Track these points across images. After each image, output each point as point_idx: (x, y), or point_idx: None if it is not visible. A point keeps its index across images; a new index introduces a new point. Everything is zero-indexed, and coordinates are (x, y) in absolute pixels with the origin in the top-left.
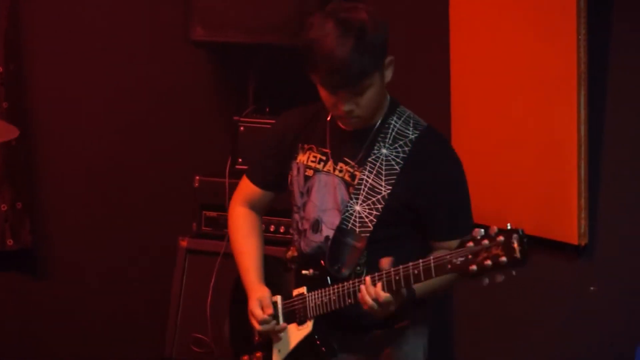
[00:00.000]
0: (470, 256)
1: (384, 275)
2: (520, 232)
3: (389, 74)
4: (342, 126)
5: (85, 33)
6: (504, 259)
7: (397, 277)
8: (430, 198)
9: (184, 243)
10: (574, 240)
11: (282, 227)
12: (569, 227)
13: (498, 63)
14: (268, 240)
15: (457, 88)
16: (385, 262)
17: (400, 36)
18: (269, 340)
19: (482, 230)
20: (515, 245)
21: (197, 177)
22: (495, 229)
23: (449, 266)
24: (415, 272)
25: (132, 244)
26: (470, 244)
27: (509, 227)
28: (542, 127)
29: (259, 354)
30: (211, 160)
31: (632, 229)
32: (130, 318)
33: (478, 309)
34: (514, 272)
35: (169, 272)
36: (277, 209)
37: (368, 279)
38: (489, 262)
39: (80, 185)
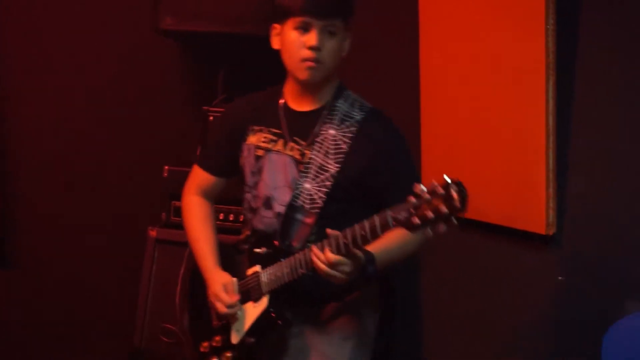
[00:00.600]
0: (412, 210)
1: (332, 239)
2: (458, 182)
3: (346, 46)
4: (292, 105)
5: (54, 23)
6: (444, 209)
7: (345, 240)
8: (378, 173)
9: (153, 233)
10: (542, 230)
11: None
12: (537, 217)
13: (466, 53)
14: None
15: (425, 78)
16: (331, 231)
17: (369, 25)
18: (227, 323)
19: (422, 185)
20: (455, 195)
21: (167, 167)
22: (434, 182)
23: (393, 222)
24: (362, 232)
25: (101, 233)
26: (412, 199)
27: (447, 180)
28: (511, 117)
29: (218, 338)
30: (180, 150)
31: (599, 219)
32: (100, 308)
33: (445, 299)
34: (455, 221)
35: (139, 262)
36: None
37: (314, 246)
38: (430, 213)
39: (50, 175)
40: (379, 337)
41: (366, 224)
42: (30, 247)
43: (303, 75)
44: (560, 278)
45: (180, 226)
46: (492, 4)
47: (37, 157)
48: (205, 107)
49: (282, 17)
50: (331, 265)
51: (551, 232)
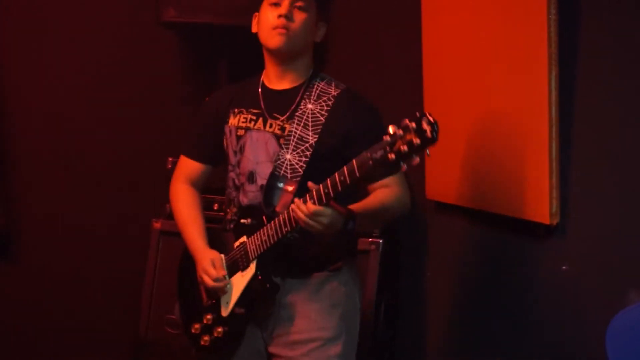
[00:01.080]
0: (387, 147)
1: (314, 191)
2: (428, 114)
3: (320, 31)
4: (270, 85)
5: (55, 16)
6: (417, 141)
7: (325, 190)
8: (354, 142)
9: (157, 224)
10: (546, 220)
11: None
12: (541, 207)
13: (469, 44)
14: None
15: (428, 69)
16: (312, 184)
17: (372, 13)
18: (217, 299)
19: (394, 125)
20: (426, 126)
21: (170, 159)
22: (405, 120)
23: (370, 162)
24: (341, 178)
25: (105, 226)
26: (387, 138)
27: (417, 115)
28: (514, 107)
29: (209, 316)
30: (183, 141)
31: (603, 208)
32: (104, 300)
33: (449, 289)
34: (427, 152)
35: (143, 254)
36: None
37: (297, 199)
38: (405, 147)
39: (53, 168)
40: (383, 330)
41: (345, 168)
42: (35, 241)
43: (274, 42)
44: (564, 267)
45: None
46: None
47: (40, 151)
48: (207, 99)
49: (259, 1)
50: (311, 214)
51: (555, 221)
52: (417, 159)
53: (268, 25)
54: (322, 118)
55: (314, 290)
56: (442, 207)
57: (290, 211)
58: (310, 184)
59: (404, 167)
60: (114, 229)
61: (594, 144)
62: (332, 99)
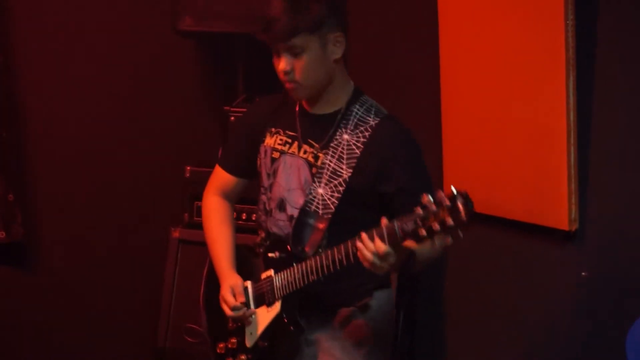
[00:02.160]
0: (419, 222)
1: (384, 229)
2: (465, 195)
3: (334, 50)
4: (307, 108)
5: (74, 24)
6: (450, 221)
7: (400, 231)
8: (389, 179)
9: (175, 233)
10: (565, 226)
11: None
12: (560, 213)
13: (486, 50)
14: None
15: (446, 75)
16: (385, 220)
17: (389, 19)
18: (241, 325)
19: (430, 196)
20: (461, 207)
21: (188, 168)
22: (442, 194)
23: (401, 232)
24: (379, 236)
25: (123, 235)
26: (419, 210)
27: (454, 192)
28: (532, 113)
29: (233, 340)
30: (202, 150)
31: (622, 214)
32: (123, 309)
33: (468, 296)
34: (461, 234)
35: (161, 263)
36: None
37: (363, 233)
38: (437, 225)
39: (71, 177)
40: (402, 336)
41: (374, 231)
42: (53, 250)
43: (290, 94)
44: (583, 274)
45: (202, 226)
46: (511, 1)
47: (58, 159)
48: (226, 108)
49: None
50: (382, 255)
51: (574, 228)
52: (449, 240)
53: (278, 76)
54: (357, 151)
55: (339, 327)
56: None
57: (319, 260)
58: (384, 220)
59: (435, 244)
60: (133, 238)
61: (612, 149)
62: (370, 130)
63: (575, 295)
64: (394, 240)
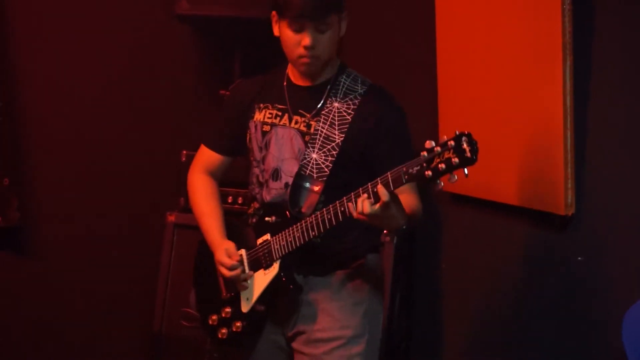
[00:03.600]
0: (424, 164)
1: (344, 199)
2: (468, 134)
3: (343, 27)
4: (295, 81)
5: (70, 8)
6: (456, 160)
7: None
8: (380, 141)
9: (171, 218)
10: (561, 211)
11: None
12: (556, 198)
13: (483, 34)
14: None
15: (442, 60)
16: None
17: (386, 4)
18: (236, 293)
19: (432, 141)
20: (465, 146)
21: (184, 152)
22: (444, 137)
23: (406, 176)
24: (374, 190)
25: (119, 219)
26: (424, 153)
27: (457, 133)
28: (528, 97)
29: (227, 309)
30: (198, 134)
31: (618, 199)
32: (119, 294)
33: (464, 280)
34: (466, 172)
35: (157, 247)
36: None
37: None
38: (442, 165)
39: (67, 162)
40: (399, 317)
41: (378, 180)
42: (49, 235)
43: (301, 69)
44: (579, 258)
45: None
46: None
47: (54, 144)
48: (222, 91)
49: (278, 11)
50: (389, 197)
51: (570, 212)
52: (455, 178)
53: (293, 52)
54: (348, 117)
55: (337, 288)
56: (457, 198)
57: (319, 217)
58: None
59: (441, 184)
60: (129, 223)
61: (609, 134)
62: (359, 97)
63: (571, 279)
64: (397, 184)
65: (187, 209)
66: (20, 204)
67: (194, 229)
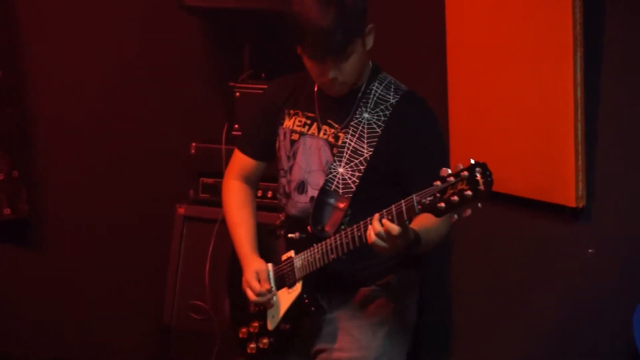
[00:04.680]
0: (437, 195)
1: (361, 224)
2: (483, 165)
3: (370, 41)
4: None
5: (79, 1)
6: (469, 192)
7: (389, 217)
8: (410, 156)
9: (181, 210)
10: (572, 203)
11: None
12: (567, 190)
13: (493, 25)
14: (265, 207)
15: (452, 50)
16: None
17: (396, 3)
18: (263, 309)
19: (448, 169)
20: (479, 178)
21: (194, 144)
22: (459, 166)
23: (419, 206)
24: (389, 217)
25: (129, 212)
26: (437, 183)
27: (472, 162)
28: (538, 89)
29: (255, 324)
30: (207, 126)
31: (629, 191)
32: (128, 286)
33: (474, 273)
34: (479, 205)
35: (167, 240)
36: (266, 175)
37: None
38: (455, 197)
39: (77, 154)
40: None
41: (393, 208)
42: (57, 226)
43: (330, 93)
44: (590, 250)
45: (208, 203)
46: None
47: (63, 136)
48: (231, 84)
49: (297, 43)
50: (390, 234)
51: (581, 204)
52: (468, 211)
53: (316, 79)
54: (378, 130)
55: (359, 307)
56: None
57: (339, 239)
58: (376, 215)
59: (454, 218)
60: (138, 215)
61: (620, 125)
62: (390, 108)
63: (582, 272)
64: (410, 215)
65: (197, 201)
66: (29, 196)
67: (204, 221)
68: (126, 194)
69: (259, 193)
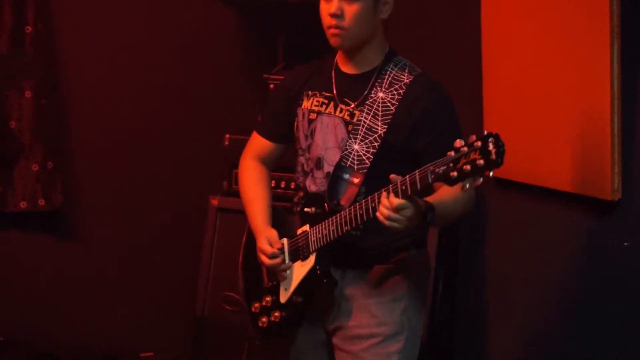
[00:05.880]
0: (451, 164)
1: (396, 184)
2: (495, 135)
3: (382, 9)
4: (343, 68)
5: None
6: (481, 162)
7: (403, 187)
8: (423, 133)
9: (215, 201)
10: (608, 196)
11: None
12: (602, 183)
13: (529, 18)
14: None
15: (488, 45)
16: (395, 176)
17: None
18: (276, 282)
19: (462, 140)
20: (491, 147)
21: (227, 136)
22: (473, 137)
23: (432, 176)
24: (403, 187)
25: (163, 203)
26: (451, 153)
27: (485, 133)
28: (575, 81)
29: (268, 298)
30: (241, 118)
31: None
32: (162, 277)
33: (509, 266)
34: (491, 174)
35: (200, 231)
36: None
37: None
38: (468, 167)
39: (111, 145)
40: (441, 304)
41: (407, 178)
42: (92, 217)
43: (331, 41)
44: (626, 244)
45: None
46: None
47: (98, 127)
48: (265, 75)
49: None
50: (395, 209)
51: (617, 197)
52: (479, 180)
53: (323, 22)
54: (392, 108)
55: (375, 284)
56: (502, 183)
57: (352, 211)
58: (393, 176)
59: (466, 187)
60: (172, 206)
61: None
62: (404, 87)
63: (618, 265)
64: (424, 184)
65: (230, 192)
66: (64, 187)
67: (237, 213)
68: (160, 186)
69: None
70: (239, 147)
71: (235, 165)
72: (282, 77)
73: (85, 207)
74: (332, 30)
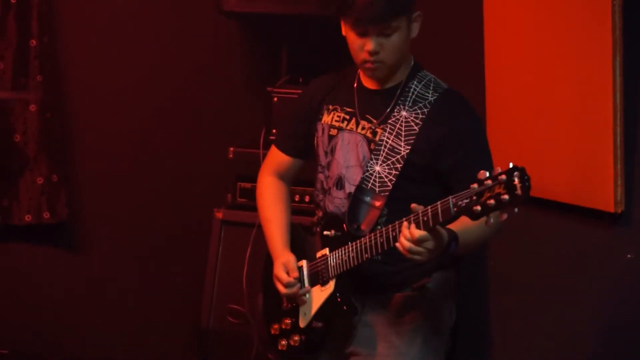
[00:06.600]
0: (474, 197)
1: (416, 215)
2: (521, 169)
3: (415, 28)
4: (365, 84)
5: (118, 5)
6: (506, 197)
7: (424, 218)
8: (448, 155)
9: (219, 214)
10: (611, 208)
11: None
12: (605, 195)
13: (531, 29)
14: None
15: (490, 55)
16: (416, 205)
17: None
18: (296, 305)
19: (487, 172)
20: (517, 182)
21: (232, 149)
22: (498, 169)
23: (455, 209)
24: (425, 219)
25: (167, 216)
26: (475, 185)
27: (510, 166)
28: (577, 93)
29: (287, 320)
30: (245, 131)
31: None
32: (166, 290)
33: (512, 279)
34: (516, 210)
35: (205, 244)
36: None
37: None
38: (492, 201)
39: (115, 158)
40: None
41: (428, 209)
42: (96, 229)
43: (367, 74)
44: (629, 256)
45: (246, 207)
46: None
47: (102, 140)
48: (269, 88)
49: (341, 12)
50: (416, 241)
51: (620, 209)
52: (504, 216)
53: (357, 56)
54: (416, 128)
55: (395, 313)
56: None
57: (373, 239)
58: (414, 205)
59: (490, 221)
60: (176, 219)
61: None
62: (428, 106)
63: (621, 278)
64: (446, 216)
65: (235, 205)
66: (68, 199)
67: (242, 225)
68: (164, 198)
69: (296, 198)
70: (243, 159)
71: (240, 177)
72: (286, 90)
73: (90, 220)
74: (368, 65)
